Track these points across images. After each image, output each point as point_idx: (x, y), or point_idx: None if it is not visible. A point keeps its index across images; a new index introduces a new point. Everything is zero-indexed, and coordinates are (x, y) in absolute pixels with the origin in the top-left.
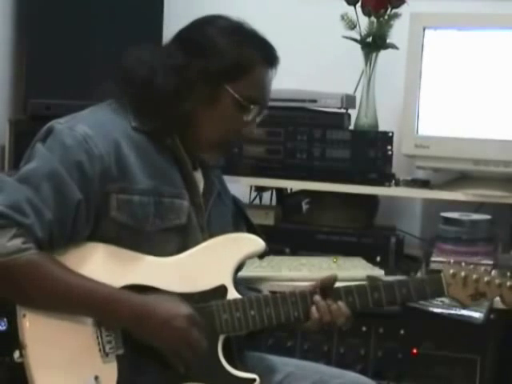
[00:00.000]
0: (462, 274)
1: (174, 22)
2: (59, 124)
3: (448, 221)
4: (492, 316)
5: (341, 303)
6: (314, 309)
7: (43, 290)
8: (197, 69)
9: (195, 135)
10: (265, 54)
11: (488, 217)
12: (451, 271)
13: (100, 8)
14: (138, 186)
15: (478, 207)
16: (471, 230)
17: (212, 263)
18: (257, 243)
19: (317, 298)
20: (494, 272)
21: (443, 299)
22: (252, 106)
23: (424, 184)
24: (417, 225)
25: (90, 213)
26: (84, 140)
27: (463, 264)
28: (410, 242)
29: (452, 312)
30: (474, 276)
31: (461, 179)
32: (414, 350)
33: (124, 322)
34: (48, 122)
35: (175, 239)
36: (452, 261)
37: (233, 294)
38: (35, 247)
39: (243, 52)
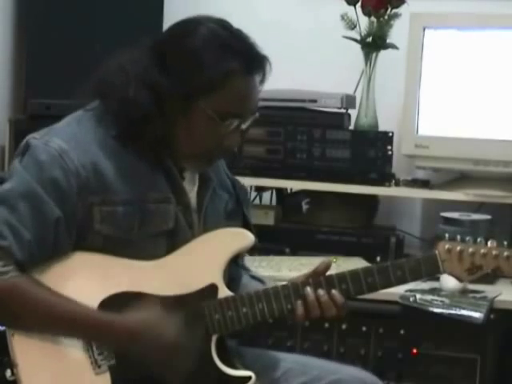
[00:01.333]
0: (458, 248)
1: (173, 21)
2: (35, 139)
3: (448, 221)
4: (492, 316)
5: (334, 292)
6: (299, 303)
7: (26, 314)
8: (168, 86)
9: (175, 148)
10: (242, 64)
11: (488, 217)
12: (446, 246)
13: (100, 8)
14: (120, 197)
15: (477, 207)
16: (471, 230)
17: (200, 262)
18: (245, 237)
19: (308, 290)
20: (490, 243)
21: (443, 299)
22: (228, 121)
23: (424, 184)
24: (417, 225)
25: (71, 228)
26: (59, 155)
27: (458, 238)
28: (409, 242)
29: (452, 312)
30: (470, 249)
31: (461, 179)
32: (414, 350)
33: (108, 346)
34: (48, 122)
35: (164, 243)
36: (447, 235)
37: (224, 291)
38: (15, 269)
39: (216, 66)
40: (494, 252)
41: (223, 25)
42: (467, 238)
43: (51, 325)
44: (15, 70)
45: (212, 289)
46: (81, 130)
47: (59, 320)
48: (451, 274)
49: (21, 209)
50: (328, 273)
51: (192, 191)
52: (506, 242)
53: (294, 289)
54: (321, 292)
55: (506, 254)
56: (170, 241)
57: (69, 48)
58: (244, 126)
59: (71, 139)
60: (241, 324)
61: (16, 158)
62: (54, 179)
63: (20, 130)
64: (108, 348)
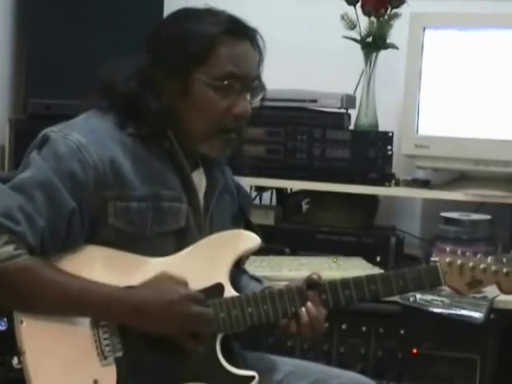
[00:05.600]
0: (459, 262)
1: None
2: (53, 132)
3: (448, 221)
4: (492, 316)
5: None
6: (303, 310)
7: (38, 294)
8: (161, 72)
9: (187, 130)
10: (225, 26)
11: (488, 217)
12: (447, 260)
13: (100, 8)
14: (135, 193)
15: (477, 207)
16: (471, 230)
17: (208, 261)
18: (252, 239)
19: (311, 293)
20: (490, 259)
21: (443, 299)
22: (226, 82)
23: (424, 184)
24: (417, 225)
25: (84, 221)
26: (78, 149)
27: (459, 252)
28: (410, 242)
29: (452, 312)
30: (470, 264)
31: (461, 179)
32: (414, 350)
33: (121, 317)
34: (48, 121)
35: (173, 241)
36: (448, 249)
37: (230, 291)
38: (27, 253)
39: (199, 35)
40: (494, 268)
41: (208, 8)
42: (467, 253)
43: (63, 302)
44: (15, 70)
45: (218, 288)
46: (99, 125)
47: (70, 295)
48: (451, 286)
49: (37, 197)
50: (329, 273)
51: (200, 192)
52: (504, 259)
53: (299, 292)
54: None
55: (505, 270)
56: (179, 240)
57: (69, 48)
58: (253, 99)
59: (89, 134)
60: (246, 324)
61: (33, 149)
62: (72, 171)
63: (20, 129)
64: (117, 320)
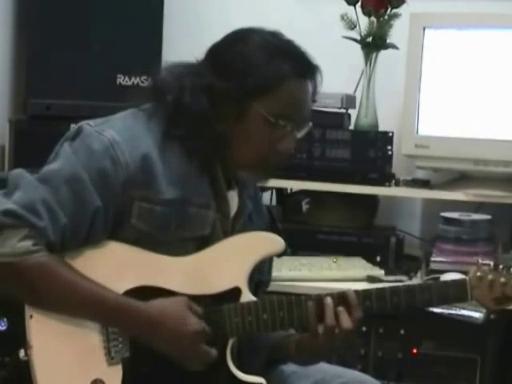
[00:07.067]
0: (489, 277)
1: (173, 21)
2: (89, 126)
3: (448, 221)
4: (492, 316)
5: (354, 310)
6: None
7: (50, 293)
8: (221, 89)
9: (231, 154)
10: (295, 67)
11: (488, 217)
12: (478, 274)
13: (100, 8)
14: (162, 196)
15: (477, 207)
16: (471, 230)
17: (227, 264)
18: (275, 242)
19: (328, 300)
20: None
21: None
22: (281, 122)
23: (424, 184)
24: (417, 225)
25: (108, 220)
26: (111, 146)
27: (491, 265)
28: (410, 242)
29: (452, 312)
30: (502, 280)
31: (461, 179)
32: (414, 350)
33: (131, 332)
34: (48, 122)
35: (194, 247)
36: (480, 261)
37: (247, 296)
38: (45, 249)
39: (269, 68)
40: None
41: (275, 34)
42: (500, 266)
43: (75, 305)
44: (15, 70)
45: (235, 292)
46: (136, 125)
47: (83, 301)
48: (478, 300)
49: (63, 192)
50: (329, 273)
51: (231, 211)
52: None
53: (317, 300)
54: (341, 308)
55: None
56: (200, 246)
57: (69, 48)
58: (299, 135)
59: (125, 132)
60: (259, 330)
61: (66, 140)
62: (103, 169)
63: (20, 130)
64: (128, 334)
